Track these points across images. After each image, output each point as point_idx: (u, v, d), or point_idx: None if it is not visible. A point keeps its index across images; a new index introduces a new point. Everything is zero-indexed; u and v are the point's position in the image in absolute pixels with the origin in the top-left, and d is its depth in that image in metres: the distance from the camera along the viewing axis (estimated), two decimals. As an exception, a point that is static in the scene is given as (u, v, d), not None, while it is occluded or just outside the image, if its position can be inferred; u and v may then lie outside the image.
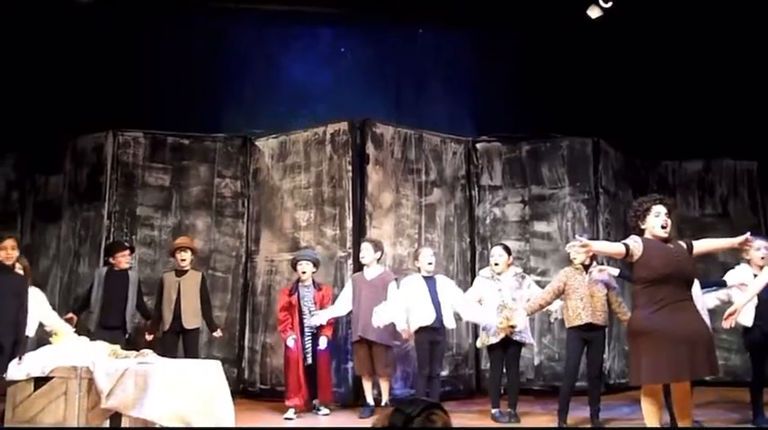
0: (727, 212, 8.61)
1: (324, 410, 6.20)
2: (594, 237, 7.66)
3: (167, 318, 6.44)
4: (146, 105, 8.24)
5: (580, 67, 8.63)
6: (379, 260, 6.39)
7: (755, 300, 5.22)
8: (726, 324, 4.50)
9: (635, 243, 4.23)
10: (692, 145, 8.41)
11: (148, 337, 6.44)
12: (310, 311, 6.19)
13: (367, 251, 6.32)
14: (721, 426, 5.41)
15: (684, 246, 4.30)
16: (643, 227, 4.32)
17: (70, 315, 6.26)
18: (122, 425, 4.84)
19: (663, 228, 4.24)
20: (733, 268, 5.61)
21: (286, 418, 5.99)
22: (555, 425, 5.47)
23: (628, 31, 8.40)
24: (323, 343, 6.14)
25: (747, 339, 5.51)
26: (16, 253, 4.87)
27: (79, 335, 5.71)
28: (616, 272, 5.67)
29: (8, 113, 7.62)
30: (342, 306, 6.30)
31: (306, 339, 6.17)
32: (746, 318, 5.32)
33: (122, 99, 8.12)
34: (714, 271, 6.71)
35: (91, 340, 5.71)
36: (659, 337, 4.04)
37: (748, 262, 5.44)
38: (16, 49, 7.70)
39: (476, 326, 6.45)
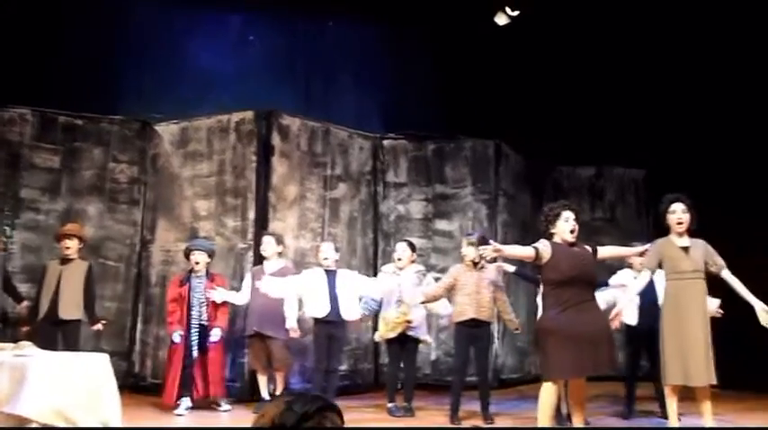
0: (615, 217, 9.12)
1: (224, 406, 6.05)
2: (493, 237, 7.88)
3: (44, 307, 6.03)
4: (37, 81, 7.69)
5: (486, 71, 8.87)
6: (280, 254, 6.29)
7: (638, 300, 5.56)
8: (613, 324, 4.76)
9: (544, 247, 4.42)
10: (585, 151, 8.82)
11: (23, 328, 6.03)
12: (200, 304, 5.98)
13: (269, 244, 6.21)
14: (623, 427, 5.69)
15: (590, 250, 4.53)
16: (552, 231, 4.51)
17: None
18: (-6, 422, 4.52)
19: (571, 232, 4.46)
20: (616, 272, 5.94)
21: (177, 414, 5.78)
22: (447, 419, 5.58)
23: (532, 38, 8.71)
24: (216, 334, 5.95)
25: (630, 336, 5.85)
26: None
27: None
28: (512, 268, 5.87)
29: None
30: (241, 295, 6.17)
31: (192, 332, 5.94)
32: (630, 317, 5.69)
33: (10, 72, 7.55)
34: (600, 274, 7.06)
35: None
36: (565, 336, 4.26)
37: (630, 266, 5.79)
38: None
39: (375, 320, 6.47)
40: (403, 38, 9.08)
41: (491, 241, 4.63)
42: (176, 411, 5.80)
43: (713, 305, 5.22)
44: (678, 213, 4.83)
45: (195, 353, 5.91)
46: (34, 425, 4.45)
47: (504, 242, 7.93)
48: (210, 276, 6.11)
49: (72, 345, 5.93)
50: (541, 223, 4.60)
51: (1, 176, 6.98)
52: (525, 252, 4.48)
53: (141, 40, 8.37)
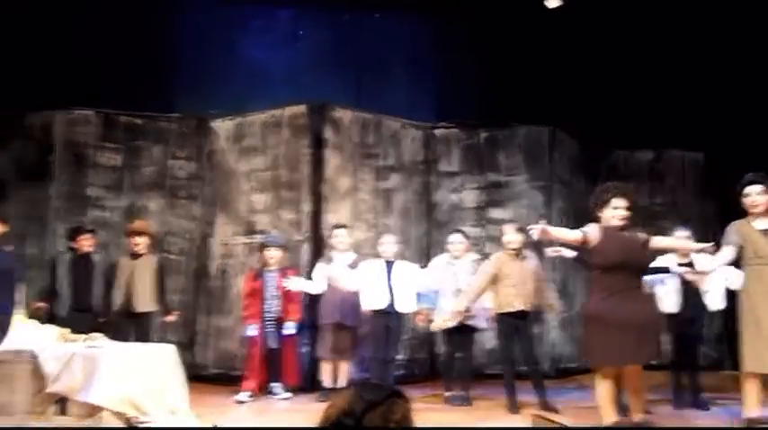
0: (675, 201, 8.85)
1: (283, 394, 6.17)
2: (550, 225, 7.78)
3: (119, 300, 6.31)
4: (98, 83, 8.01)
5: (538, 56, 8.71)
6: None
7: (680, 287, 5.40)
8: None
9: (592, 230, 4.35)
10: (643, 135, 8.59)
11: (100, 320, 6.30)
12: (273, 297, 6.15)
13: (342, 237, 6.27)
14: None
15: (642, 237, 4.42)
16: (601, 215, 4.42)
17: (41, 304, 6.13)
18: (68, 410, 4.74)
19: (620, 219, 4.36)
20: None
21: (238, 401, 5.94)
22: (506, 408, 5.55)
23: (586, 21, 8.50)
24: (290, 327, 6.15)
25: (675, 323, 5.61)
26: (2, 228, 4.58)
27: (51, 321, 5.58)
28: (572, 254, 5.74)
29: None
30: (316, 284, 6.25)
31: (267, 326, 6.14)
32: (672, 304, 5.50)
33: (74, 76, 7.85)
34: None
35: (62, 325, 5.56)
36: (607, 322, 4.20)
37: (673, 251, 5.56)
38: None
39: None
40: (452, 26, 9.01)
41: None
42: (237, 397, 5.96)
43: None
44: (753, 196, 4.65)
45: (271, 345, 6.11)
46: (106, 416, 4.65)
47: (561, 229, 7.89)
48: (283, 270, 6.25)
49: (145, 337, 6.21)
50: (591, 206, 4.52)
51: (68, 176, 7.28)
52: (572, 235, 4.42)
53: (195, 39, 8.58)
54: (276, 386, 6.20)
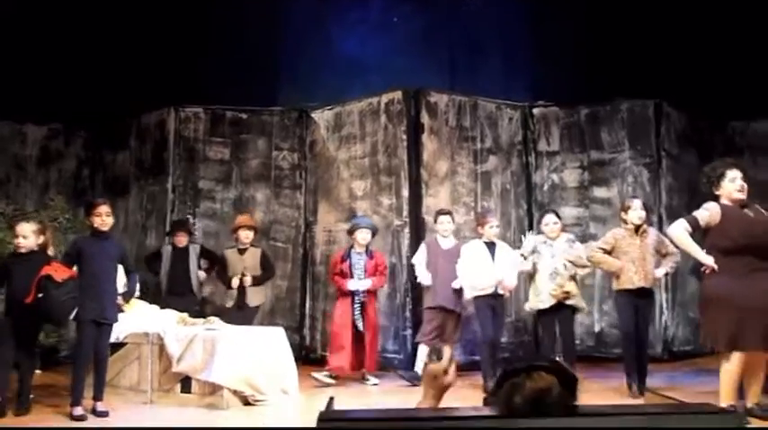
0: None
1: (372, 379, 6.22)
2: (657, 202, 7.50)
3: (232, 293, 6.64)
4: (205, 81, 8.44)
5: (639, 27, 8.32)
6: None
7: None
8: None
9: (707, 211, 4.14)
10: (760, 104, 8.03)
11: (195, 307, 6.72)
12: (359, 278, 6.24)
13: (448, 223, 6.28)
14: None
15: (765, 212, 4.18)
16: (717, 193, 4.22)
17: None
18: (192, 389, 5.08)
19: (740, 191, 4.15)
20: None
21: (313, 377, 6.06)
22: (616, 392, 5.42)
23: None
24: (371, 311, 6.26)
25: None
26: (111, 219, 4.92)
27: (150, 303, 5.99)
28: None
29: (77, 94, 7.92)
30: (425, 276, 6.21)
31: (355, 308, 6.22)
32: None
33: (183, 75, 8.33)
34: None
35: (162, 306, 5.99)
36: (738, 305, 4.00)
37: None
38: (84, 30, 7.97)
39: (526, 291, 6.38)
40: (547, 1, 8.78)
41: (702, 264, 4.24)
42: (318, 375, 6.08)
43: None
44: None
45: (359, 327, 6.21)
46: (226, 394, 4.95)
47: (669, 206, 7.56)
48: (370, 254, 6.37)
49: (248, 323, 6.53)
50: (704, 185, 4.30)
51: (181, 170, 7.73)
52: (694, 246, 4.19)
53: (293, 33, 8.87)
54: (369, 372, 6.23)
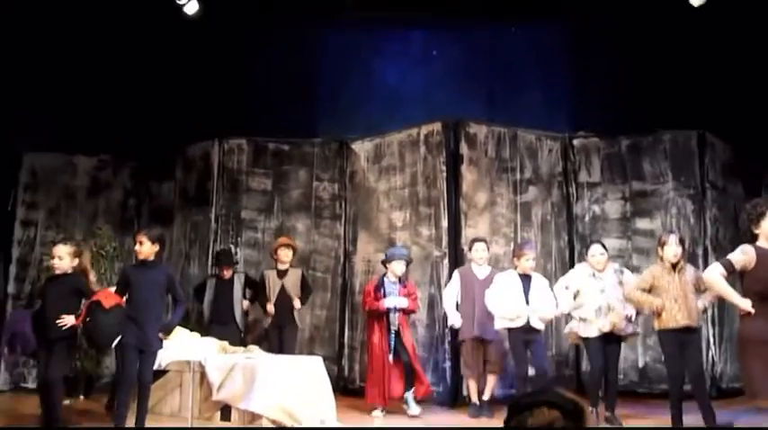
0: None
1: (414, 407, 6.06)
2: (701, 234, 7.34)
3: (271, 312, 6.76)
4: (248, 113, 8.65)
5: (681, 56, 8.23)
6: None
7: None
8: None
9: (743, 254, 3.99)
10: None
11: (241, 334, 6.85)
12: (395, 310, 6.19)
13: (483, 251, 6.29)
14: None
15: None
16: (756, 232, 4.07)
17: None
18: (232, 417, 5.11)
19: None
20: None
21: (374, 415, 6.04)
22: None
23: (732, 13, 7.94)
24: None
25: None
26: (148, 247, 4.94)
27: (192, 331, 6.09)
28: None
29: (125, 126, 8.20)
30: (456, 316, 6.19)
31: (390, 338, 6.18)
32: None
33: (226, 108, 8.55)
34: None
35: (204, 335, 6.08)
36: None
37: None
38: (133, 66, 8.28)
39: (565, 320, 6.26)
40: (586, 31, 8.76)
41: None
42: (373, 413, 6.08)
43: None
44: None
45: (391, 358, 6.15)
46: (265, 423, 4.97)
47: (715, 239, 7.39)
48: (403, 283, 6.35)
49: (290, 347, 6.63)
50: (743, 221, 4.15)
51: (225, 200, 7.89)
52: (729, 290, 4.06)
53: (334, 66, 9.04)
54: (409, 397, 6.12)
